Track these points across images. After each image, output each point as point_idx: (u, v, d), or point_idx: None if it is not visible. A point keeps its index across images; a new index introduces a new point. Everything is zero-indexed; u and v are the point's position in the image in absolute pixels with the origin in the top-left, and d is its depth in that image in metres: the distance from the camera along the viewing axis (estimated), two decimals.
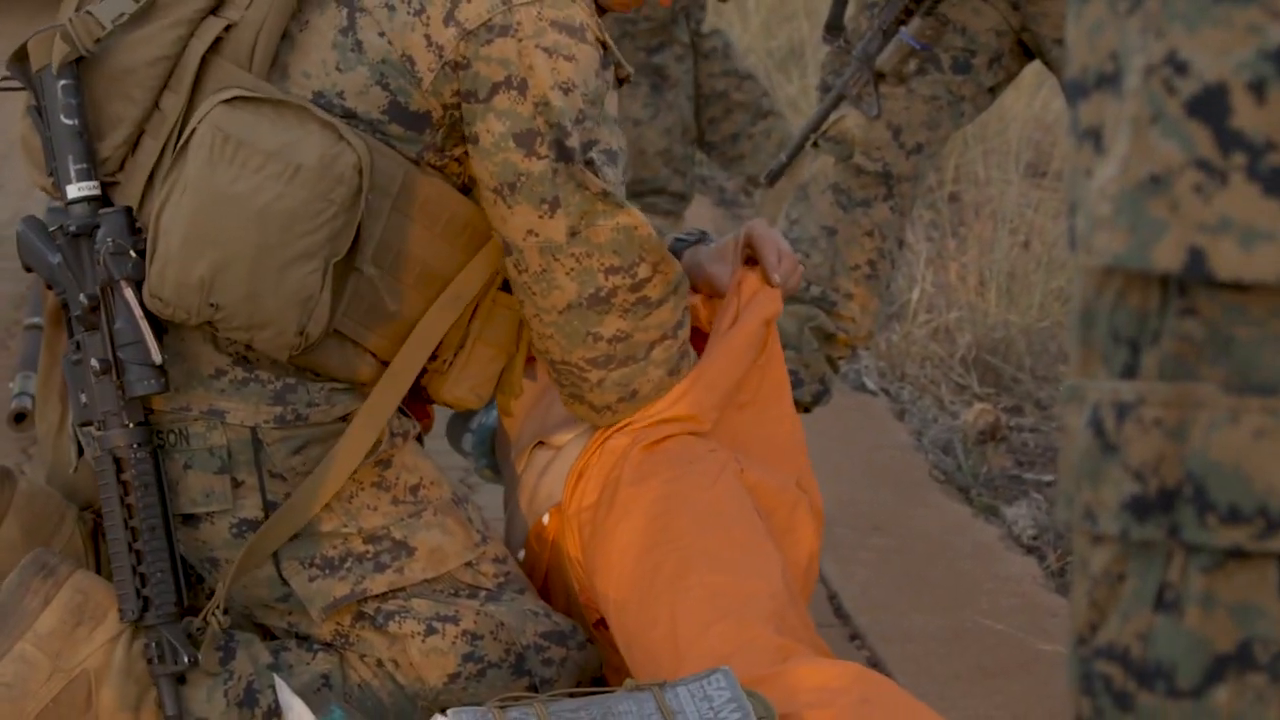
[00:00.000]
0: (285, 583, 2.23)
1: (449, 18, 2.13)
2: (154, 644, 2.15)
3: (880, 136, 3.16)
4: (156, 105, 2.17)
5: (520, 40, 2.13)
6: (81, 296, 2.13)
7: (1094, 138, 1.13)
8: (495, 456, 2.76)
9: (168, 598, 2.15)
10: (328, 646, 2.27)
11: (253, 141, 2.07)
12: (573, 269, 2.20)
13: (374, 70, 2.15)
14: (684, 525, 2.20)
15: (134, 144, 2.19)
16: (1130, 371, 1.13)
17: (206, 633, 2.18)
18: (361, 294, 2.18)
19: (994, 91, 3.26)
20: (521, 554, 2.45)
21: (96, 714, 2.16)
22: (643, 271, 2.23)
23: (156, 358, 2.12)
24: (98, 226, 2.14)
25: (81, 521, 2.35)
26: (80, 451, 2.26)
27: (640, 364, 2.29)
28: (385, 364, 2.26)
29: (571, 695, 2.05)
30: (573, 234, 2.18)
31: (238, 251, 2.08)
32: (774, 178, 3.25)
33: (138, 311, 2.11)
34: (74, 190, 2.15)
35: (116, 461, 2.15)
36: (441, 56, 2.13)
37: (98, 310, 2.14)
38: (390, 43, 2.14)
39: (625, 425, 2.34)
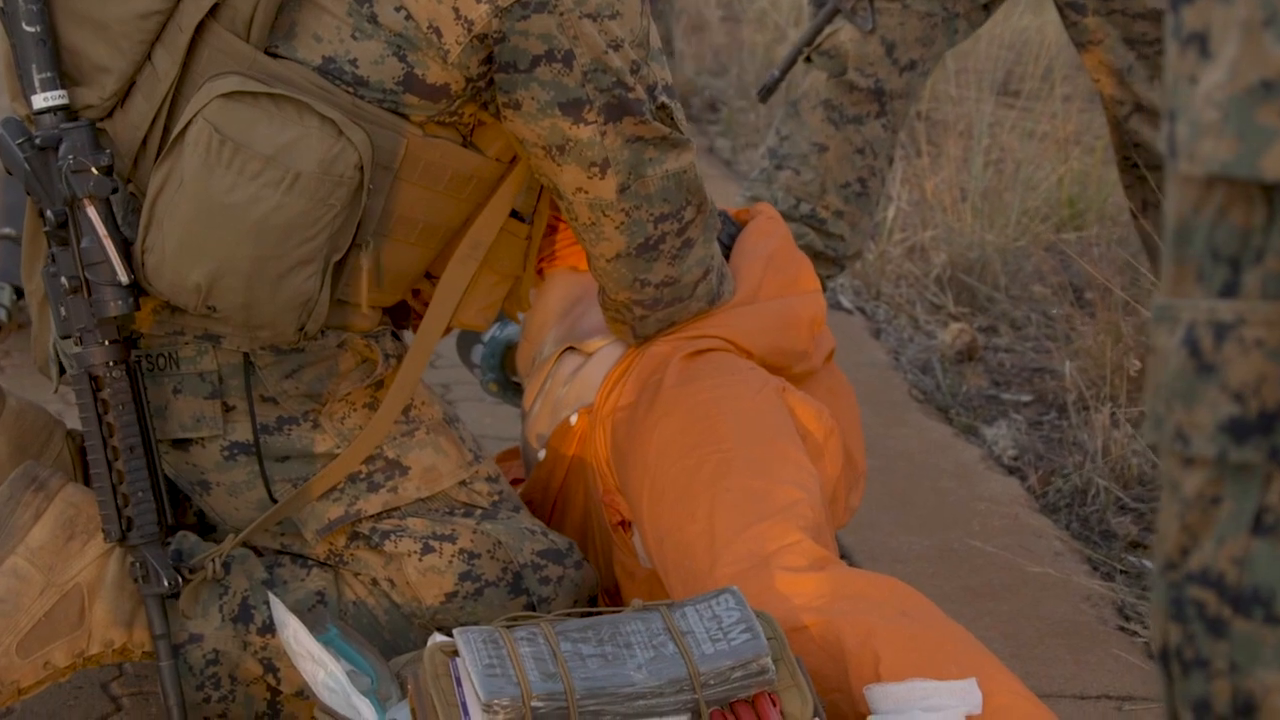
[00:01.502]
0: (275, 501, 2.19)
1: None
2: (138, 564, 2.11)
3: (874, 52, 3.12)
4: (148, 58, 2.08)
5: (561, 15, 2.06)
6: (48, 212, 2.05)
7: (1199, 42, 1.09)
8: (504, 371, 2.74)
9: (149, 518, 2.10)
10: (322, 564, 2.24)
11: (250, 144, 1.99)
12: (622, 223, 2.20)
13: (390, 43, 2.06)
14: (727, 429, 2.19)
15: (124, 97, 2.11)
16: (1230, 290, 1.09)
17: (197, 575, 2.14)
18: (361, 265, 2.13)
19: (988, 8, 3.23)
20: (542, 453, 2.43)
21: (89, 628, 2.12)
22: (689, 214, 2.24)
23: (124, 278, 2.05)
24: (61, 140, 2.05)
25: (71, 438, 2.30)
26: (62, 370, 2.21)
27: (684, 303, 2.32)
28: (384, 310, 2.23)
29: (578, 615, 2.03)
30: (622, 190, 2.17)
31: (233, 264, 2.02)
32: (767, 93, 3.21)
33: (102, 231, 2.04)
34: (39, 100, 2.05)
35: (93, 380, 2.09)
36: (470, 30, 2.05)
37: (66, 226, 2.06)
38: (411, 16, 2.05)
39: (666, 334, 2.35)
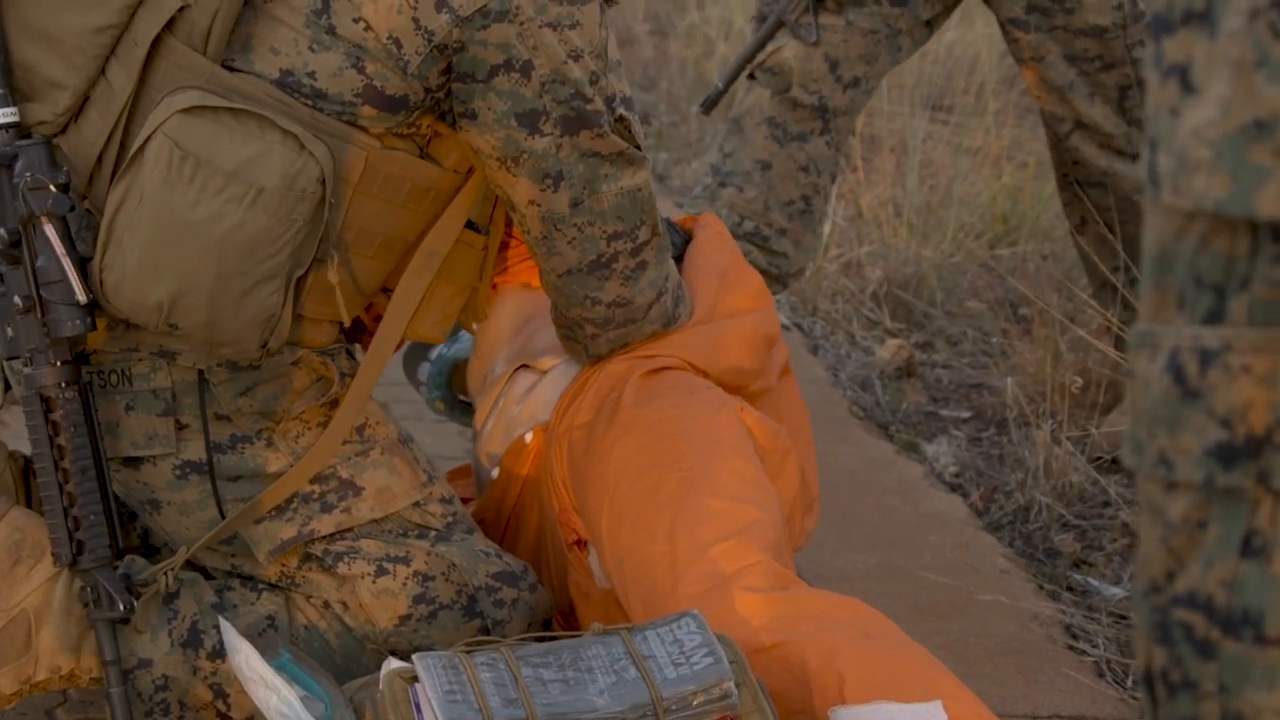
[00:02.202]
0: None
1: (441, 4, 2.02)
2: (89, 588, 2.06)
3: (818, 69, 3.12)
4: (102, 73, 2.05)
5: (521, 24, 2.04)
6: (1, 230, 2.01)
7: (1180, 75, 1.10)
8: (451, 389, 2.71)
9: (101, 541, 2.06)
10: (272, 587, 2.21)
11: (212, 159, 1.96)
12: (574, 238, 2.18)
13: (349, 55, 2.04)
14: (686, 449, 2.17)
15: (77, 113, 2.07)
16: (1215, 317, 1.10)
17: (150, 588, 2.10)
18: (320, 280, 2.10)
19: (931, 25, 3.23)
20: (495, 472, 2.41)
21: (36, 654, 2.08)
22: (643, 235, 2.21)
23: (81, 297, 2.00)
24: (16, 157, 2.01)
25: (13, 459, 2.25)
26: (8, 387, 2.17)
27: (637, 324, 2.30)
28: (340, 325, 2.20)
29: (538, 639, 2.01)
30: (575, 204, 2.15)
31: (196, 282, 1.98)
32: (710, 105, 3.20)
33: (59, 249, 1.99)
34: None
35: (44, 401, 2.04)
36: (430, 40, 2.03)
37: (19, 245, 2.01)
38: (370, 28, 2.03)
39: (623, 352, 2.33)
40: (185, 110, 1.97)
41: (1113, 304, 3.34)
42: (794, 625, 1.97)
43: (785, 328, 4.05)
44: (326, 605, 2.19)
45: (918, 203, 4.41)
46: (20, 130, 2.03)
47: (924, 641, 2.60)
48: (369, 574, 2.18)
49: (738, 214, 3.17)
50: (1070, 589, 2.88)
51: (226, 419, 2.14)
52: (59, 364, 2.03)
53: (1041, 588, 2.86)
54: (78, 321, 2.01)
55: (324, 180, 2.01)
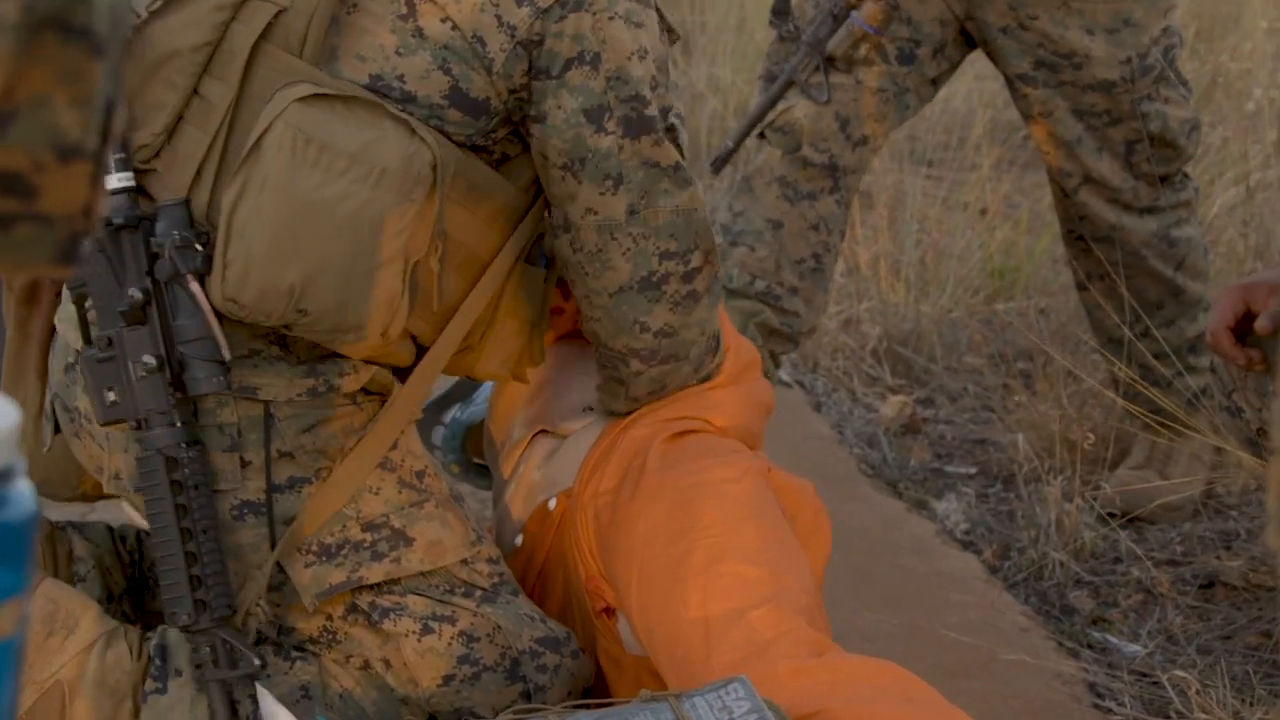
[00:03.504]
0: (280, 569, 2.13)
1: None
2: (209, 648, 2.05)
3: (828, 128, 3.13)
4: (196, 91, 2.06)
5: (595, 14, 2.09)
6: (134, 291, 2.02)
7: None
8: (466, 452, 2.70)
9: (223, 600, 2.06)
10: (305, 654, 2.18)
11: (334, 144, 1.99)
12: (629, 249, 2.16)
13: (436, 55, 2.07)
14: (714, 515, 2.16)
15: (171, 131, 2.08)
16: None
17: (252, 628, 2.09)
18: (417, 284, 2.10)
19: (936, 82, 3.24)
20: (519, 539, 2.39)
21: None
22: (695, 260, 2.20)
23: (226, 354, 2.03)
24: (144, 219, 2.04)
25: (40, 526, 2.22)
26: (56, 430, 2.16)
27: (679, 364, 2.29)
28: (421, 346, 2.20)
29: (586, 707, 1.99)
30: (632, 213, 2.15)
31: (331, 259, 1.99)
32: (719, 166, 3.20)
33: (206, 307, 2.02)
34: (112, 181, 2.03)
35: (169, 461, 2.04)
36: (514, 36, 2.07)
37: (149, 306, 2.03)
38: (456, 27, 2.06)
39: (643, 416, 2.31)
40: (301, 100, 1.99)
41: (1118, 361, 3.34)
42: (832, 692, 1.95)
43: (787, 385, 4.05)
44: (366, 665, 2.17)
45: (914, 259, 4.41)
46: (133, 193, 2.05)
47: (952, 702, 2.60)
48: (414, 632, 2.16)
49: (749, 273, 3.17)
50: (1090, 646, 2.87)
51: (289, 456, 2.13)
52: (180, 424, 2.04)
53: (1061, 645, 2.85)
54: (218, 379, 2.03)
55: (435, 166, 2.03)
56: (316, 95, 2.00)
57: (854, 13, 3.06)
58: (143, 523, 2.29)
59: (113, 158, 2.02)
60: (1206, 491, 3.40)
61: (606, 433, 2.35)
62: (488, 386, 2.74)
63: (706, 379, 2.36)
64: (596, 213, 2.14)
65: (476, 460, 2.75)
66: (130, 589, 2.32)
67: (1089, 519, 3.24)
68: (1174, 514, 3.33)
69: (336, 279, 2.00)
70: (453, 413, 2.72)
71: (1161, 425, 3.25)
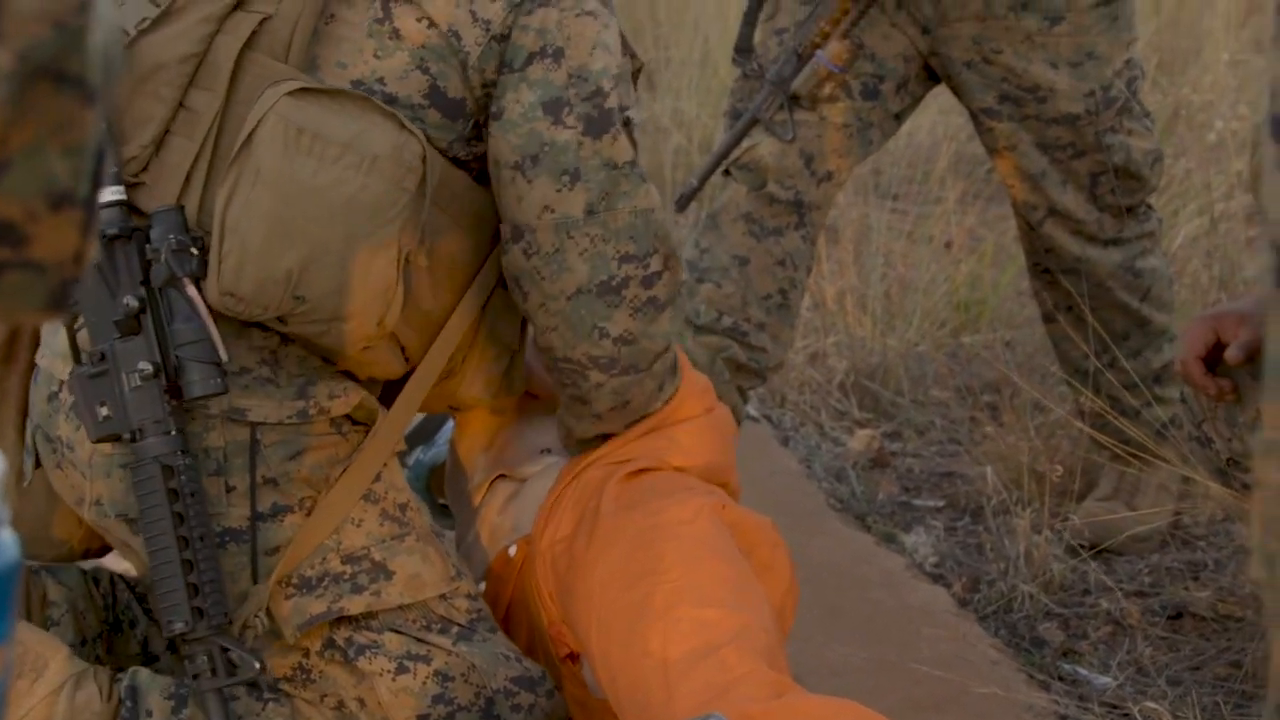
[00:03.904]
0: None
1: None
2: (205, 657, 2.05)
3: (793, 165, 3.13)
4: (182, 104, 2.09)
5: (562, 10, 2.13)
6: (129, 300, 2.04)
7: None
8: (430, 493, 2.69)
9: (220, 607, 2.06)
10: (278, 695, 2.17)
11: (326, 133, 2.03)
12: (586, 250, 2.16)
13: (414, 55, 2.11)
14: (670, 558, 2.15)
15: (159, 144, 2.10)
16: None
17: (247, 641, 2.09)
18: (408, 287, 2.11)
19: (900, 117, 3.25)
20: (482, 585, 2.38)
21: None
22: (655, 264, 2.20)
23: (224, 355, 2.05)
24: (137, 229, 2.06)
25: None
26: (37, 464, 2.17)
27: (640, 375, 2.27)
28: (407, 361, 2.22)
29: None
30: (590, 212, 2.15)
31: (328, 244, 2.03)
32: (684, 203, 3.20)
33: (203, 309, 2.04)
34: (101, 195, 2.03)
35: (165, 469, 2.05)
36: (489, 30, 2.12)
37: (143, 314, 2.04)
38: (433, 24, 2.11)
39: (598, 458, 2.30)
40: (291, 94, 2.03)
41: (1085, 393, 3.35)
42: None
43: (754, 419, 4.05)
44: (340, 705, 2.16)
45: (879, 293, 4.42)
46: (124, 206, 2.07)
47: None
48: (389, 671, 2.15)
49: (716, 309, 3.17)
50: (1060, 679, 2.87)
51: (274, 483, 2.12)
52: (175, 432, 2.04)
53: (1032, 678, 2.85)
54: (215, 380, 2.04)
55: (424, 158, 2.06)
56: (305, 90, 2.04)
57: (819, 51, 3.07)
58: (119, 563, 2.28)
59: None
60: (1174, 522, 3.41)
61: (561, 477, 2.34)
62: (448, 428, 2.73)
63: (670, 396, 2.35)
64: (553, 210, 2.14)
65: (440, 501, 2.75)
66: (104, 632, 2.30)
67: (1058, 551, 3.24)
68: (1142, 545, 3.33)
69: (333, 262, 2.02)
70: (415, 454, 2.72)
71: (1129, 456, 3.26)
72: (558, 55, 2.12)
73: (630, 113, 2.19)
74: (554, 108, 2.12)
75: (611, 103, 2.15)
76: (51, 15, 0.90)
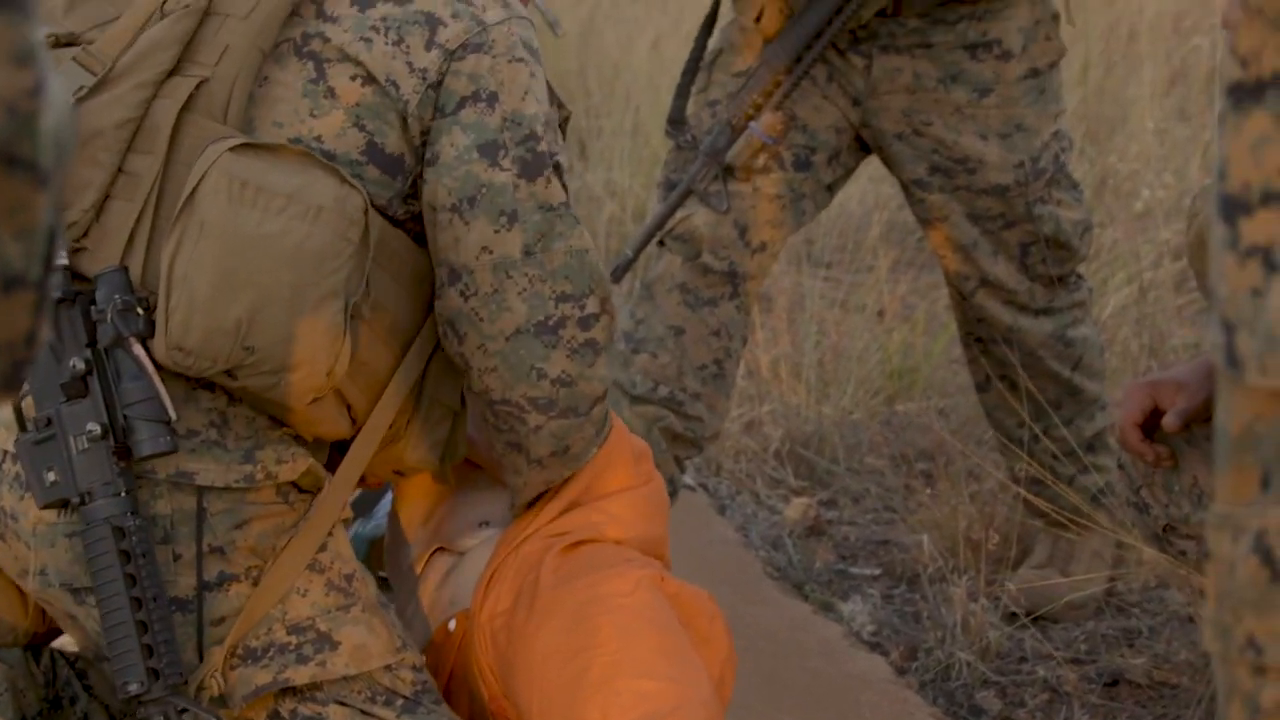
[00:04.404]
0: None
1: (430, 43, 2.15)
2: (161, 718, 2.03)
3: (727, 235, 3.15)
4: (120, 169, 2.09)
5: (494, 56, 2.16)
6: (75, 362, 2.03)
7: (1262, 255, 1.10)
8: (370, 566, 2.68)
9: (175, 667, 2.04)
10: None
11: (270, 185, 2.03)
12: (524, 289, 2.17)
13: (349, 113, 2.13)
14: (609, 631, 2.15)
15: (99, 209, 2.09)
16: None
17: (203, 703, 2.07)
18: (355, 340, 2.12)
19: (832, 189, 3.28)
20: (422, 659, 2.37)
21: None
22: (591, 305, 2.21)
23: (172, 413, 2.04)
24: (80, 293, 2.06)
25: None
26: None
27: (579, 420, 2.26)
28: (353, 421, 2.21)
29: None
30: (527, 254, 2.17)
31: (275, 292, 2.02)
32: (620, 274, 3.21)
33: (150, 368, 2.03)
34: None
35: (117, 531, 2.03)
36: (425, 79, 2.14)
37: (89, 376, 2.04)
38: (370, 79, 2.13)
39: (535, 530, 2.29)
40: (232, 150, 2.03)
41: (1019, 460, 3.37)
42: None
43: (690, 488, 4.05)
44: None
45: (814, 361, 4.44)
46: (67, 270, 2.07)
47: None
48: None
49: (652, 379, 3.18)
50: None
51: (220, 551, 2.11)
52: (125, 493, 2.03)
53: None
54: (164, 439, 2.03)
55: (366, 212, 2.07)
56: (247, 145, 2.05)
57: (753, 123, 3.09)
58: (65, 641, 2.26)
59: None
60: (1109, 589, 3.43)
61: (499, 550, 2.34)
62: (387, 501, 2.72)
63: (602, 442, 2.35)
64: (491, 251, 2.16)
65: (380, 573, 2.73)
66: (43, 710, 2.28)
67: (994, 618, 3.26)
68: (1077, 612, 3.35)
69: (281, 311, 2.02)
70: (355, 527, 2.70)
71: (1065, 522, 3.28)
72: (491, 100, 2.15)
73: (559, 158, 2.21)
74: (489, 150, 2.14)
75: (543, 147, 2.18)
76: (3, 100, 0.90)
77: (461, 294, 2.18)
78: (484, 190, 2.14)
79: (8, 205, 0.91)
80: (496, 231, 2.15)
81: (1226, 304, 1.11)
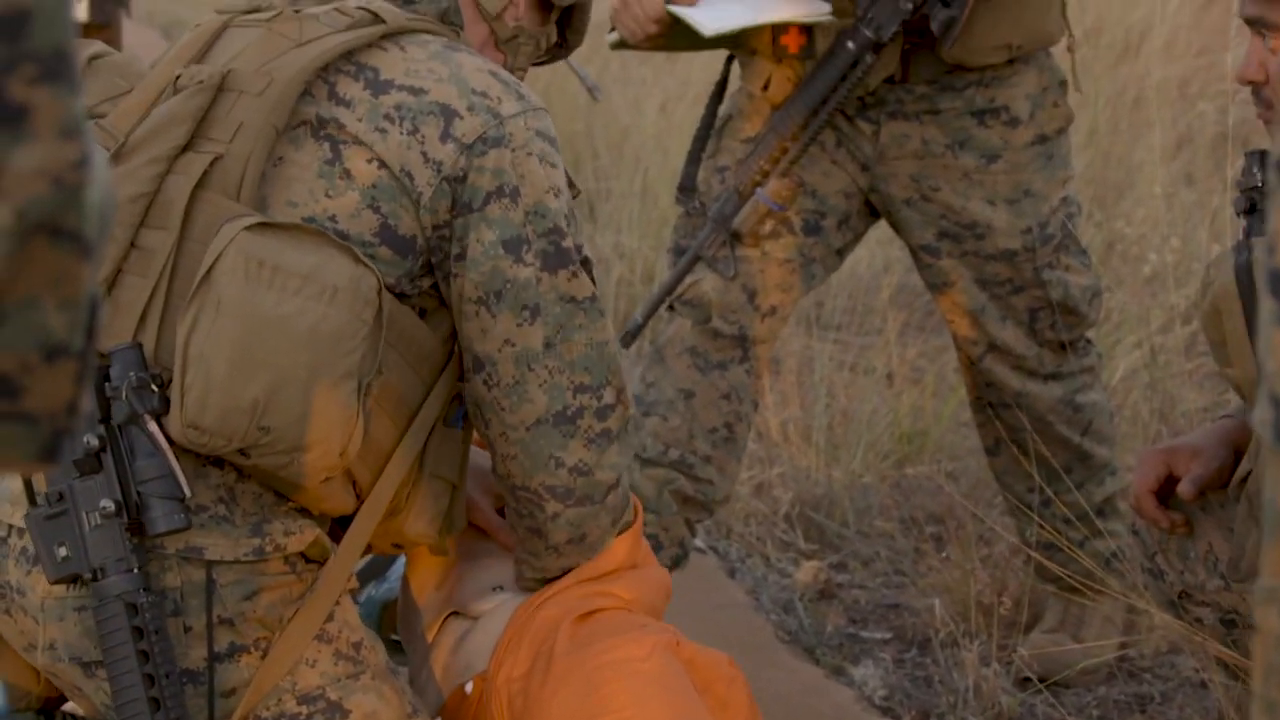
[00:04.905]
0: None
1: (445, 135, 2.16)
2: None
3: (736, 299, 3.17)
4: (133, 244, 2.11)
5: (514, 150, 2.17)
6: (89, 438, 2.04)
7: None
8: (382, 629, 2.68)
9: None
10: None
11: (286, 265, 2.04)
12: (545, 381, 2.19)
13: (364, 194, 2.14)
14: (624, 698, 2.16)
15: (111, 283, 2.11)
16: None
17: None
18: (367, 419, 2.13)
19: (841, 253, 3.30)
20: None
21: None
22: (608, 396, 2.23)
23: (187, 490, 2.04)
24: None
25: None
26: None
27: (595, 508, 2.27)
28: (358, 496, 2.21)
29: None
30: (548, 345, 2.19)
31: (292, 373, 2.03)
32: (630, 339, 3.22)
33: (165, 445, 2.04)
34: None
35: (130, 608, 2.03)
36: (440, 172, 2.15)
37: (103, 452, 2.04)
38: (384, 165, 2.14)
39: (554, 595, 2.30)
40: (249, 229, 2.05)
41: (1029, 525, 3.37)
42: None
43: (700, 551, 4.05)
44: None
45: (823, 424, 4.45)
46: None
47: None
48: None
49: (663, 443, 3.18)
50: None
51: (229, 623, 2.11)
52: (137, 569, 2.04)
53: None
54: (179, 516, 2.04)
55: (380, 292, 2.08)
56: (263, 224, 2.06)
57: (760, 190, 3.11)
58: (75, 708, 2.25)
59: None
60: (1120, 655, 3.42)
61: (516, 615, 2.34)
62: (400, 564, 2.73)
63: (625, 528, 2.36)
64: (514, 344, 2.18)
65: (392, 637, 2.73)
66: None
67: (1007, 684, 3.25)
68: (1089, 677, 3.35)
69: (298, 391, 2.03)
70: (367, 590, 2.70)
71: (1075, 588, 3.28)
72: (514, 194, 2.16)
73: (586, 252, 2.23)
74: (514, 246, 2.16)
75: (568, 243, 2.19)
76: (51, 172, 0.92)
77: (485, 383, 2.20)
78: (508, 285, 2.16)
79: (53, 276, 0.92)
80: (519, 325, 2.17)
81: (1276, 379, 1.10)
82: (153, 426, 2.04)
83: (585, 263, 2.22)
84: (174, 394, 2.04)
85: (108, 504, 2.03)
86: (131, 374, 2.04)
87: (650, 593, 2.41)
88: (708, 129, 3.22)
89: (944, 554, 3.78)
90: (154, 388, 2.05)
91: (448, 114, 2.16)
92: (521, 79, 2.41)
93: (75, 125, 0.93)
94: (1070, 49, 3.23)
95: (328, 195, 2.13)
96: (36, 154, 0.91)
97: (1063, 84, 3.21)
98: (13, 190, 0.91)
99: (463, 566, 2.45)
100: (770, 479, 4.32)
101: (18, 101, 0.91)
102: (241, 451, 2.07)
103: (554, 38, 2.46)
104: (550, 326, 2.18)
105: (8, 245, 0.91)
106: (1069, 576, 3.26)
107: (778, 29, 3.07)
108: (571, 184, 2.28)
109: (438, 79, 2.18)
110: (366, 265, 2.08)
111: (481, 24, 2.38)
